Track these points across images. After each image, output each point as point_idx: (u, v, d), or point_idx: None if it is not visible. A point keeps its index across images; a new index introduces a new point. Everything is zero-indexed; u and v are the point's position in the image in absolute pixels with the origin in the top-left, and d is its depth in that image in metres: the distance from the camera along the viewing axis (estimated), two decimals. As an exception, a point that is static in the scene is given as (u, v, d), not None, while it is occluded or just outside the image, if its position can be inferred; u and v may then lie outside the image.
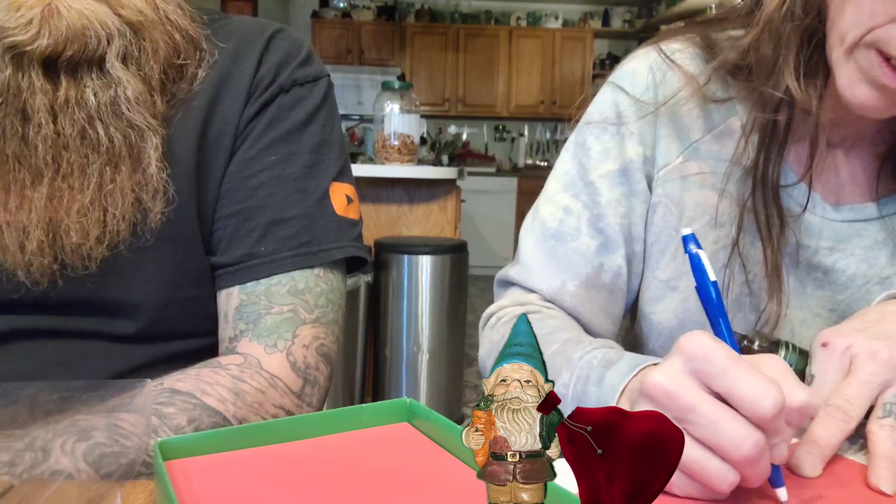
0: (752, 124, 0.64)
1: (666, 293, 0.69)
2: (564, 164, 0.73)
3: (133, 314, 0.61)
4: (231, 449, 0.43)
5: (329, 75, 0.71)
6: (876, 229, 0.66)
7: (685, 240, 0.44)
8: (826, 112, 0.62)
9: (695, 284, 0.45)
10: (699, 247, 0.43)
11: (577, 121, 0.74)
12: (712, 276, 0.43)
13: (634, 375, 0.52)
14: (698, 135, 0.68)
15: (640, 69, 0.70)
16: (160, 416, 0.51)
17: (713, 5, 4.61)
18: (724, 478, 0.38)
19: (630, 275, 0.71)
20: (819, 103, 0.61)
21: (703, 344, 0.40)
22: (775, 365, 0.41)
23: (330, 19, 6.49)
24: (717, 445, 0.38)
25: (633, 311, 0.76)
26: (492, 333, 0.71)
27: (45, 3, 0.53)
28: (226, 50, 0.65)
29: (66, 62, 0.54)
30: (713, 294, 0.44)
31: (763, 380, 0.38)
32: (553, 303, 0.70)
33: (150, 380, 0.43)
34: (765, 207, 0.64)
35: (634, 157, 0.69)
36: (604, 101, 0.72)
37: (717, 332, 0.44)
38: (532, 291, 0.72)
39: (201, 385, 0.55)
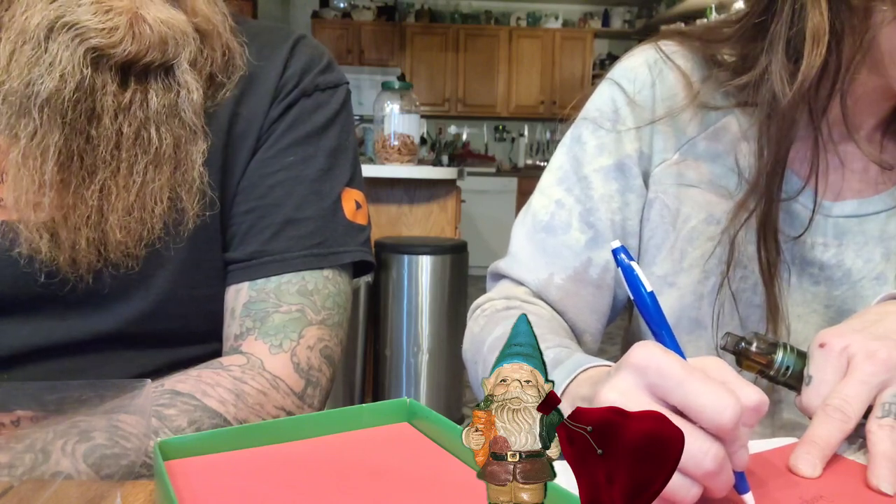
0: (759, 135, 0.63)
1: (663, 289, 0.69)
2: (559, 158, 0.73)
3: (153, 312, 0.61)
4: (231, 449, 0.43)
5: (348, 83, 0.73)
6: (872, 225, 0.66)
7: (615, 252, 0.42)
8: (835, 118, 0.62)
9: (631, 297, 0.43)
10: (630, 258, 0.42)
11: (573, 120, 0.74)
12: (648, 287, 0.42)
13: (574, 378, 0.52)
14: (694, 132, 0.68)
15: (639, 66, 0.70)
16: (161, 417, 0.51)
17: (713, 5, 4.61)
18: (686, 492, 0.37)
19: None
20: (827, 106, 0.61)
21: (655, 356, 0.39)
22: (720, 368, 0.41)
23: (330, 19, 6.49)
24: None
25: (630, 308, 0.76)
26: (473, 325, 0.71)
27: (132, 11, 0.54)
28: (249, 51, 0.66)
29: (141, 67, 0.56)
30: (650, 305, 0.42)
31: (719, 389, 0.37)
32: (539, 295, 0.70)
33: (150, 380, 0.43)
34: (764, 220, 0.63)
35: (631, 152, 0.69)
36: (601, 98, 0.72)
37: (662, 342, 0.43)
38: (520, 283, 0.72)
39: (202, 386, 0.55)
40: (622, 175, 0.69)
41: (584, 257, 0.69)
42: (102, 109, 0.55)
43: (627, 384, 0.40)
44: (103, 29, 0.53)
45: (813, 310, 0.67)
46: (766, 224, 0.63)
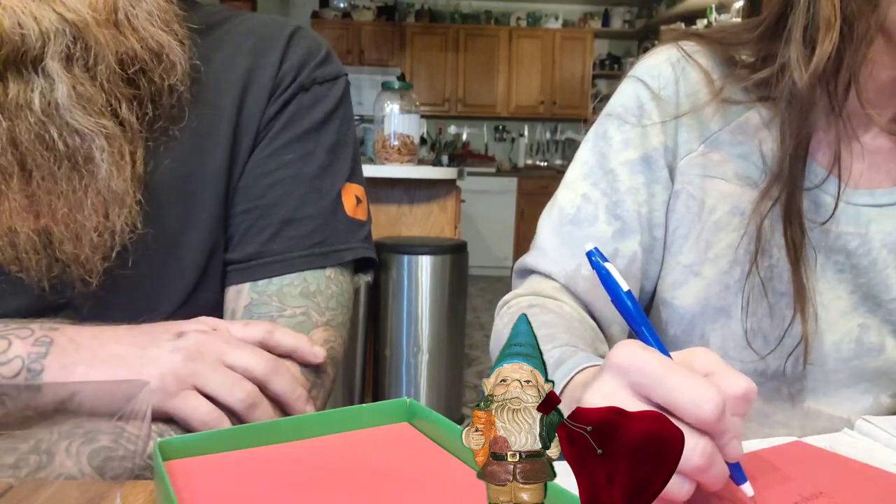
0: (780, 131, 0.65)
1: (689, 278, 0.70)
2: (584, 154, 0.74)
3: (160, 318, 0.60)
4: (231, 449, 0.43)
5: (346, 74, 0.71)
6: None
7: (589, 255, 0.43)
8: (855, 105, 0.63)
9: (609, 298, 0.43)
10: (605, 259, 0.43)
11: (592, 122, 0.75)
12: (625, 287, 0.42)
13: (570, 379, 0.52)
14: (718, 127, 0.70)
15: (662, 64, 0.72)
16: (168, 420, 0.51)
17: (713, 5, 4.61)
18: (679, 489, 0.37)
19: (649, 261, 0.72)
20: (846, 93, 0.62)
21: (635, 355, 0.39)
22: (706, 358, 0.41)
23: (330, 19, 6.48)
24: None
25: (650, 298, 0.76)
26: (499, 322, 0.72)
27: None
28: (245, 47, 0.65)
29: (3, 62, 0.51)
30: (629, 304, 0.43)
31: (700, 384, 0.37)
32: (567, 288, 0.71)
33: (149, 380, 0.43)
34: (788, 206, 0.64)
35: (657, 145, 0.71)
36: (626, 94, 0.73)
37: (643, 340, 0.43)
38: (548, 277, 0.72)
39: None
40: (648, 168, 0.71)
41: (610, 249, 0.70)
42: None
43: (610, 386, 0.40)
44: None
45: (838, 296, 0.68)
46: (791, 207, 0.64)
